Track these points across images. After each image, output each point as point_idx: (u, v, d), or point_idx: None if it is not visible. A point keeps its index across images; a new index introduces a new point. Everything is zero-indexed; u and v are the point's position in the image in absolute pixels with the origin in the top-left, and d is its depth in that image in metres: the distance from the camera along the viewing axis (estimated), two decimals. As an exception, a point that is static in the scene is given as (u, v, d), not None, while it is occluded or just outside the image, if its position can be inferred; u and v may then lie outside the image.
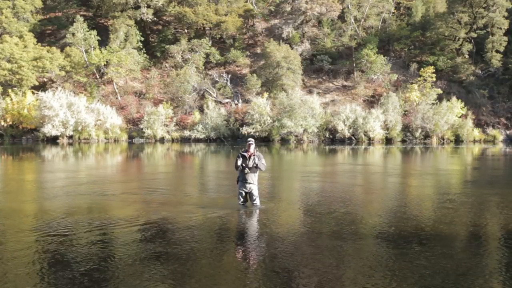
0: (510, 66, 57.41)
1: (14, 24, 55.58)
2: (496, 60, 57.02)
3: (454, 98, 51.27)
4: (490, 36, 57.35)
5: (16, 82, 48.98)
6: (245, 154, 10.05)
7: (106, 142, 47.50)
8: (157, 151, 35.62)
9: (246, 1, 66.33)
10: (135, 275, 5.88)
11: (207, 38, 58.99)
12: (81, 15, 56.46)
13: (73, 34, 53.01)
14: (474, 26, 58.45)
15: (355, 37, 62.14)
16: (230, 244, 7.58)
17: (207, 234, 8.07)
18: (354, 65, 58.62)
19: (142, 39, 59.53)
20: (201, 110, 50.94)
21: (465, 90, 57.40)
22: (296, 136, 48.31)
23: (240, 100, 53.49)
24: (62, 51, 53.22)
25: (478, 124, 53.81)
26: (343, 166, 23.53)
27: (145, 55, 59.03)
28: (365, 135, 48.91)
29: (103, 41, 55.79)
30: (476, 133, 52.26)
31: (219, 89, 54.77)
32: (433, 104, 50.79)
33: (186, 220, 9.11)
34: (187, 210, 10.14)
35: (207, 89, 53.65)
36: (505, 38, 56.51)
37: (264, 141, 47.02)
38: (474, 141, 51.60)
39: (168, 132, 49.93)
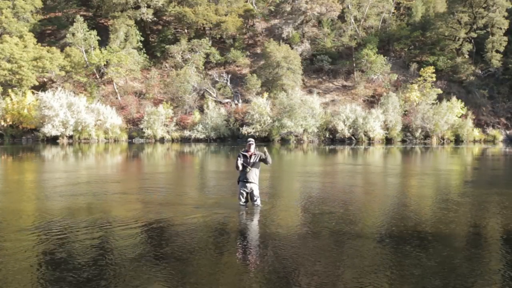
0: (510, 66, 57.43)
1: (14, 24, 55.62)
2: (496, 60, 57.05)
3: (454, 98, 51.30)
4: (490, 36, 57.38)
5: (16, 82, 49.00)
6: (245, 153, 10.01)
7: (106, 142, 47.53)
8: (157, 151, 35.62)
9: (246, 1, 66.36)
10: (135, 275, 5.88)
11: (207, 38, 59.01)
12: (81, 15, 56.54)
13: (73, 34, 53.06)
14: (474, 26, 58.48)
15: (355, 37, 62.15)
16: (230, 244, 7.57)
17: (207, 234, 8.07)
18: (354, 65, 58.64)
19: (142, 39, 59.57)
20: (201, 110, 50.97)
21: (465, 90, 57.42)
22: (296, 136, 48.33)
23: (240, 100, 53.49)
24: (62, 51, 53.27)
25: (478, 124, 53.84)
26: (343, 166, 23.52)
27: (145, 55, 59.07)
28: (365, 135, 48.92)
29: (103, 41, 55.82)
30: (476, 133, 52.29)
31: (219, 89, 54.78)
32: (433, 104, 50.82)
33: (186, 220, 9.11)
34: (187, 210, 10.13)
35: (207, 89, 53.66)
36: (505, 38, 56.55)
37: (264, 141, 47.00)
38: (474, 141, 51.63)
39: (168, 132, 49.96)
